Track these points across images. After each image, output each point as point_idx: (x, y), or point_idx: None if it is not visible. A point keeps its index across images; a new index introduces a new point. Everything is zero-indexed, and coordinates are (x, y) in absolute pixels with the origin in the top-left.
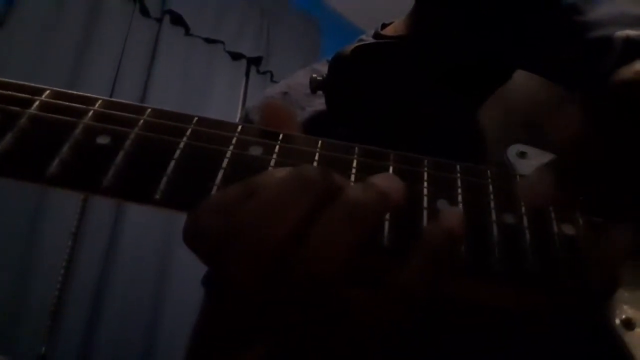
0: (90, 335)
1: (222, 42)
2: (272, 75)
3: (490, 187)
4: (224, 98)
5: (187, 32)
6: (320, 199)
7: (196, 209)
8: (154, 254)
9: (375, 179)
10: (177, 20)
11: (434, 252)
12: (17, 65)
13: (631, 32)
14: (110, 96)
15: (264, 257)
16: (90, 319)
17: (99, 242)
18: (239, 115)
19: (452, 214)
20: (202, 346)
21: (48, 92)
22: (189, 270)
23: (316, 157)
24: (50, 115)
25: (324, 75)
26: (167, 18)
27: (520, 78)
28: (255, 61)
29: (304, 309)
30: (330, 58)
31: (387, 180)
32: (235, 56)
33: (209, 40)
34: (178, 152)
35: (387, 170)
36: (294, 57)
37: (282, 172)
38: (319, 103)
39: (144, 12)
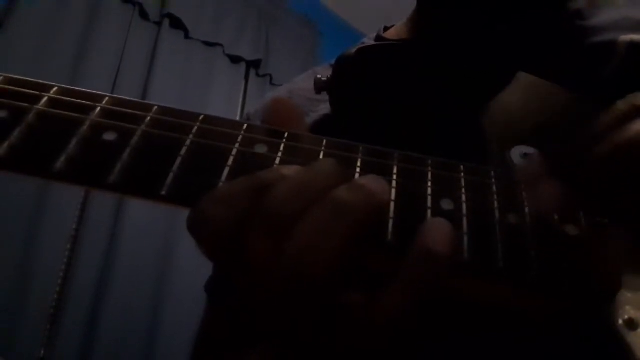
0: (89, 337)
1: (222, 45)
2: (271, 78)
3: (494, 187)
4: (223, 101)
5: (187, 35)
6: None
7: (203, 200)
8: (153, 256)
9: (361, 180)
10: (177, 23)
11: (416, 279)
12: (16, 68)
13: (635, 37)
14: None
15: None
16: (90, 321)
17: (99, 244)
18: (238, 118)
19: (434, 229)
20: (206, 349)
21: (56, 88)
22: (189, 273)
23: (321, 156)
24: (57, 111)
25: (329, 77)
26: (166, 21)
27: (524, 80)
28: (254, 64)
29: (299, 311)
30: (332, 62)
31: (373, 181)
32: (235, 59)
33: (208, 44)
34: (184, 149)
35: (392, 169)
36: (293, 60)
37: (294, 168)
38: (323, 108)
39: (144, 15)
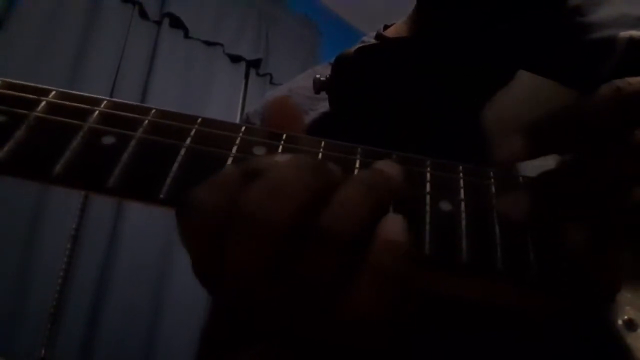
0: (89, 337)
1: (221, 45)
2: (271, 78)
3: (493, 188)
4: (223, 100)
5: (187, 34)
6: (330, 181)
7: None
8: (153, 256)
9: (379, 164)
10: (177, 22)
11: (379, 270)
12: (16, 68)
13: (634, 33)
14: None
15: (269, 238)
16: (90, 320)
17: (99, 244)
18: (238, 118)
19: (389, 222)
20: (209, 349)
21: (54, 92)
22: (189, 273)
23: (319, 157)
24: (56, 116)
25: (327, 76)
26: (166, 21)
27: (524, 78)
28: (254, 63)
29: (300, 301)
30: (332, 60)
31: (389, 166)
32: (235, 58)
33: (208, 43)
34: (182, 151)
35: None
36: (293, 59)
37: (288, 155)
38: (322, 106)
39: (143, 14)
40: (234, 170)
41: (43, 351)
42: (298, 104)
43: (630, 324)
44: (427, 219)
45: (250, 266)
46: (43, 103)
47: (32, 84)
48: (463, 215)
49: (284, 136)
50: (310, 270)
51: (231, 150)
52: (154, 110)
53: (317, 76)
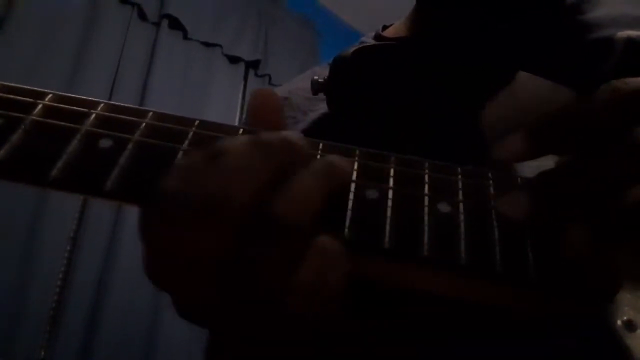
0: (89, 339)
1: (220, 46)
2: (270, 78)
3: (492, 189)
4: (222, 101)
5: (185, 36)
6: (286, 160)
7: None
8: None
9: (334, 157)
10: (175, 24)
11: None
12: (15, 69)
13: (632, 33)
14: (109, 100)
15: (229, 222)
16: (90, 322)
17: (98, 246)
18: (237, 119)
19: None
20: (210, 345)
21: (50, 95)
22: None
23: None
24: (52, 119)
25: (325, 78)
26: (165, 22)
27: (523, 79)
28: (253, 64)
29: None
30: (331, 61)
31: (344, 160)
32: (233, 59)
33: (207, 44)
34: (180, 154)
35: (389, 172)
36: (292, 60)
37: (247, 136)
38: (321, 107)
39: (142, 16)
40: (196, 154)
41: (42, 353)
42: (296, 104)
43: (629, 325)
44: (426, 221)
45: (209, 253)
46: (39, 106)
47: (28, 87)
48: (462, 216)
49: None
50: (264, 256)
51: None
52: (151, 113)
53: (315, 77)
